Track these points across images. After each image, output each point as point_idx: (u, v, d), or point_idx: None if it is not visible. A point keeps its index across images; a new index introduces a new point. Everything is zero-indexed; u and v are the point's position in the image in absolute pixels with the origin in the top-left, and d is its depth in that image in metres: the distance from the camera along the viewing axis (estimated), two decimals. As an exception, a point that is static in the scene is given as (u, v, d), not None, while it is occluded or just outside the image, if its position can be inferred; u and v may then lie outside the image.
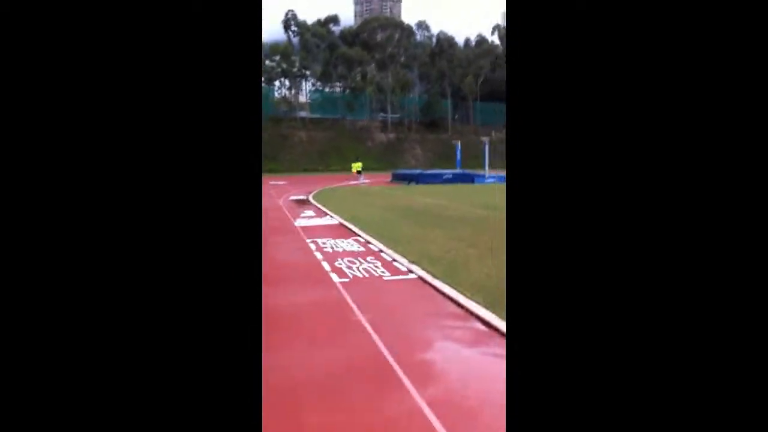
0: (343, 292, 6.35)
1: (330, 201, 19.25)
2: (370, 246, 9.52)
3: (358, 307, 5.62)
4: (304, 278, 7.20)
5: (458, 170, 36.63)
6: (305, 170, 50.83)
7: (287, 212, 16.01)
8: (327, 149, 61.04)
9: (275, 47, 61.81)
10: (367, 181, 32.12)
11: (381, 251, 8.94)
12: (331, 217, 14.24)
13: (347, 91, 66.71)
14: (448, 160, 64.97)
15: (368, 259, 8.34)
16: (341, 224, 12.74)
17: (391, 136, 67.30)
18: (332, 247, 9.46)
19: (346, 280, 6.90)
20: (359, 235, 10.73)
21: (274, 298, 5.99)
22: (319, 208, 16.73)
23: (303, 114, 64.79)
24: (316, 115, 65.56)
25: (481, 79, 73.77)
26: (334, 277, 7.07)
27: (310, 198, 21.02)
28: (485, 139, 35.32)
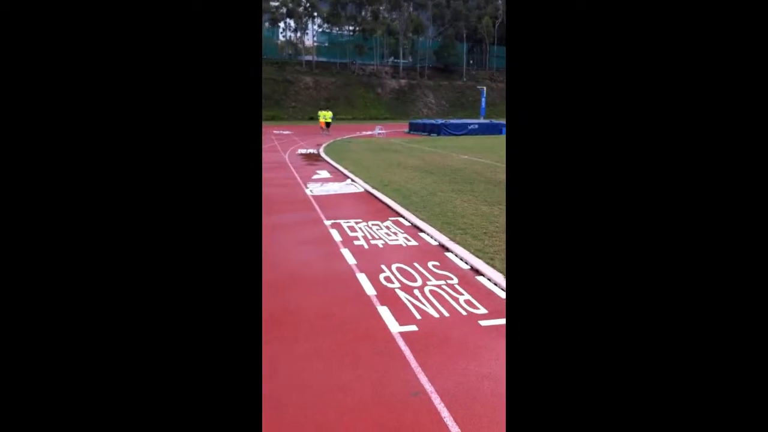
0: (425, 382, 3.18)
1: (346, 157, 15.86)
2: (424, 237, 6.28)
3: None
4: (334, 337, 4.00)
5: (483, 119, 32.91)
6: (311, 118, 46.57)
7: (295, 172, 12.69)
8: (335, 96, 56.93)
9: (279, -17, 56.87)
10: (383, 132, 28.40)
11: (446, 249, 5.71)
12: (353, 181, 10.95)
13: (356, 32, 61.82)
14: (462, 108, 61.02)
15: (431, 265, 5.14)
16: (369, 193, 9.48)
17: (403, 82, 62.87)
18: (366, 237, 6.24)
19: (411, 329, 3.73)
20: (401, 215, 7.48)
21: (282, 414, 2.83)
22: (334, 167, 13.39)
23: (309, 58, 60.31)
24: (323, 59, 61.13)
25: (498, 21, 68.74)
26: (394, 331, 3.88)
27: (321, 152, 17.61)
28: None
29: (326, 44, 62.65)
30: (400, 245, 5.95)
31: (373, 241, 6.11)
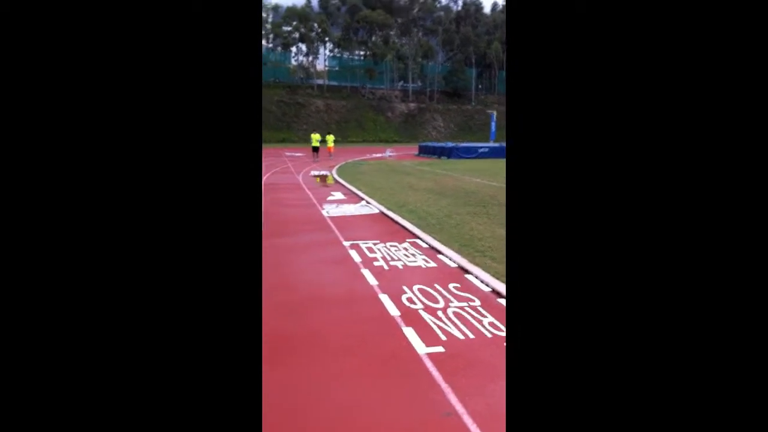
0: None
1: (359, 179, 15.97)
2: (443, 259, 6.28)
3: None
4: (361, 359, 4.00)
5: (493, 143, 33.03)
6: (322, 141, 47.10)
7: (309, 193, 12.79)
8: (345, 119, 57.47)
9: (292, 10, 57.84)
10: (393, 154, 28.56)
11: (466, 271, 5.71)
12: (368, 202, 11.00)
13: (367, 57, 62.61)
14: (471, 131, 61.30)
15: (452, 287, 5.14)
16: (384, 215, 9.52)
17: (412, 106, 63.38)
18: (385, 258, 6.26)
19: (438, 350, 3.72)
20: (418, 237, 7.50)
21: None
22: (348, 189, 13.47)
23: (320, 82, 61.03)
24: (334, 83, 61.83)
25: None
26: (421, 353, 3.87)
27: (335, 174, 17.75)
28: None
29: (337, 68, 63.43)
30: (420, 267, 5.95)
31: (392, 263, 6.11)
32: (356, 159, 26.51)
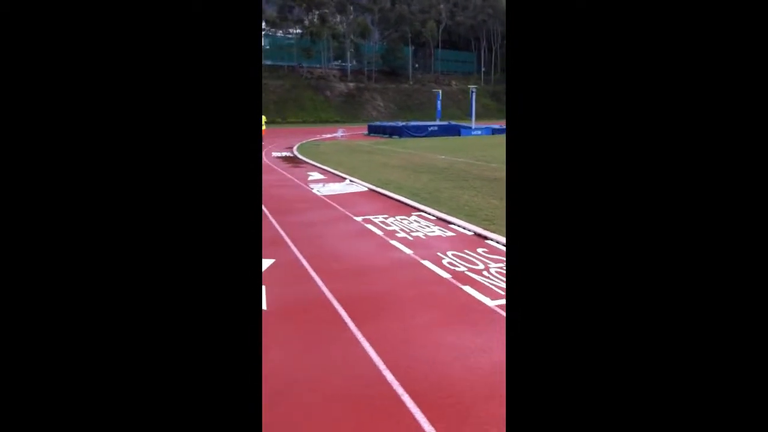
0: None
1: (325, 159, 16.25)
2: (457, 228, 6.84)
3: None
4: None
5: (441, 122, 33.91)
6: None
7: (287, 174, 13.01)
8: (283, 99, 56.77)
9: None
10: (346, 134, 28.86)
11: (485, 237, 6.30)
12: (352, 181, 11.39)
13: (304, 36, 61.80)
14: (410, 110, 62.05)
15: (480, 251, 5.71)
16: (375, 192, 9.96)
17: (351, 85, 63.39)
18: (404, 230, 6.74)
19: (504, 302, 4.29)
20: (422, 210, 8.02)
21: None
22: (324, 169, 13.77)
23: (256, 61, 59.63)
24: (270, 62, 60.70)
25: (442, 26, 70.42)
26: (491, 305, 4.41)
27: (300, 155, 17.92)
28: (472, 87, 32.52)
29: (268, 47, 62.12)
30: (440, 236, 6.49)
31: (414, 234, 6.61)
32: (309, 140, 26.59)
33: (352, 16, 64.06)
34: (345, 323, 3.86)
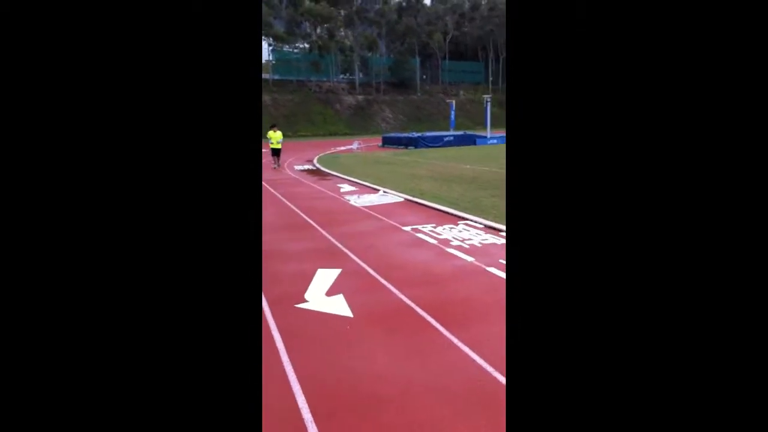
0: None
1: (350, 171, 16.40)
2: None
3: None
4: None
5: (456, 132, 34.12)
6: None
7: (317, 186, 13.15)
8: (294, 113, 57.17)
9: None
10: (362, 146, 29.09)
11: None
12: (385, 192, 11.52)
13: (312, 51, 62.42)
14: (420, 122, 62.33)
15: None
16: (412, 202, 10.07)
17: (360, 98, 63.80)
18: (457, 238, 6.83)
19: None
20: (468, 219, 8.11)
21: None
22: (353, 181, 13.90)
23: (266, 76, 60.30)
24: (278, 77, 61.26)
25: (449, 37, 70.98)
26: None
27: (323, 168, 18.09)
28: (486, 97, 32.74)
29: (273, 62, 62.72)
30: (495, 243, 6.59)
31: (468, 242, 6.71)
32: (326, 153, 26.81)
33: (359, 30, 64.68)
34: (435, 328, 3.96)
